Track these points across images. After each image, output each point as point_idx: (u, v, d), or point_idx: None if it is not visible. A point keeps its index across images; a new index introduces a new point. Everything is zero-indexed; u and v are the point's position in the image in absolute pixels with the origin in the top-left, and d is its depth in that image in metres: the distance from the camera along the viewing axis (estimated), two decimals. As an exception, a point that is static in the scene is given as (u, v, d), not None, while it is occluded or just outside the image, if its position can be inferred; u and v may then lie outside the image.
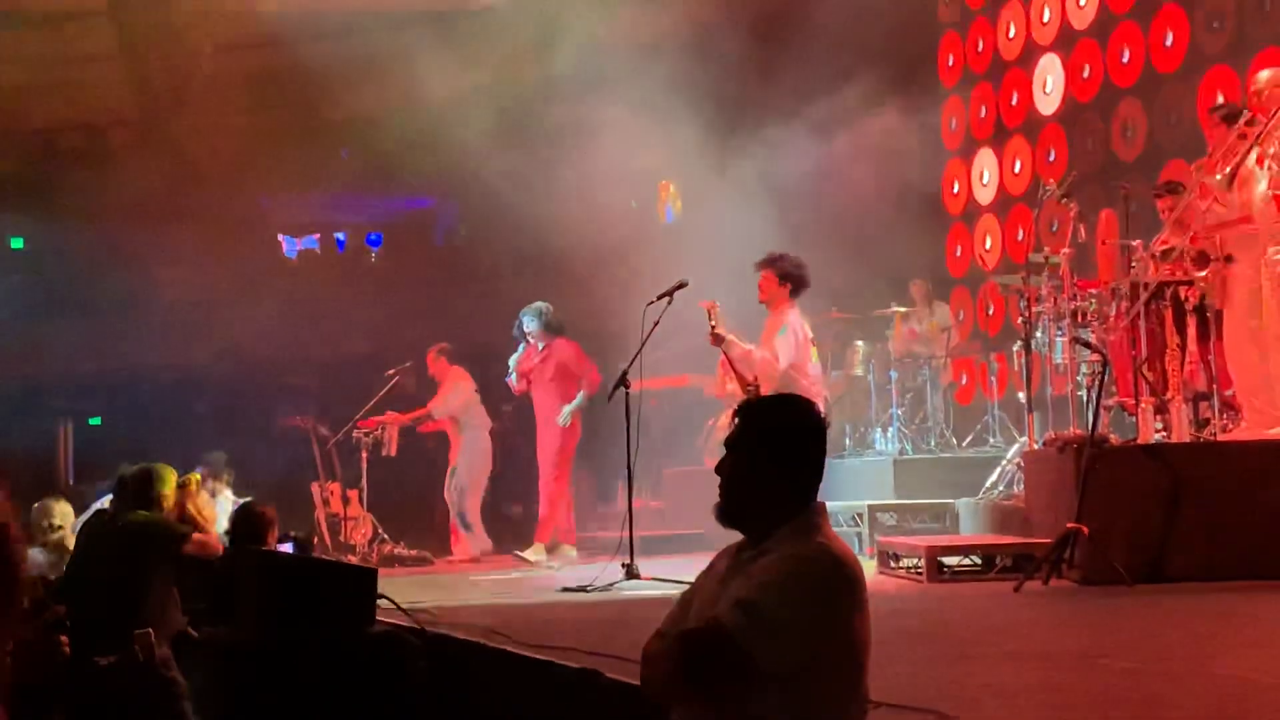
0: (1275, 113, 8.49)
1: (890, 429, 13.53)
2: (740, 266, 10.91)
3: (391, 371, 14.59)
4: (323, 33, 17.06)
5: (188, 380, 19.44)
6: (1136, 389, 9.24)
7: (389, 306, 20.27)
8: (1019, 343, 10.85)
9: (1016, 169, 15.61)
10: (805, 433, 3.73)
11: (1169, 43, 13.24)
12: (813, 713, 3.45)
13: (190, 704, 7.51)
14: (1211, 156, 8.81)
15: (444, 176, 17.44)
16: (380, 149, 18.04)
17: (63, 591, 7.54)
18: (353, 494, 14.10)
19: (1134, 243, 9.56)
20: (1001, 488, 11.15)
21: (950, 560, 9.36)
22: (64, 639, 4.49)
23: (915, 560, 9.45)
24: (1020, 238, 15.00)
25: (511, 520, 17.32)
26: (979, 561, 9.44)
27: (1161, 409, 9.15)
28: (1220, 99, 12.00)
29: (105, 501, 8.88)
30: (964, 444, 13.57)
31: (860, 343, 14.29)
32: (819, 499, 3.73)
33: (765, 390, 9.99)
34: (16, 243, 21.04)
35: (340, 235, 23.57)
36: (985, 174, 16.21)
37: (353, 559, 13.24)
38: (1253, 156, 8.55)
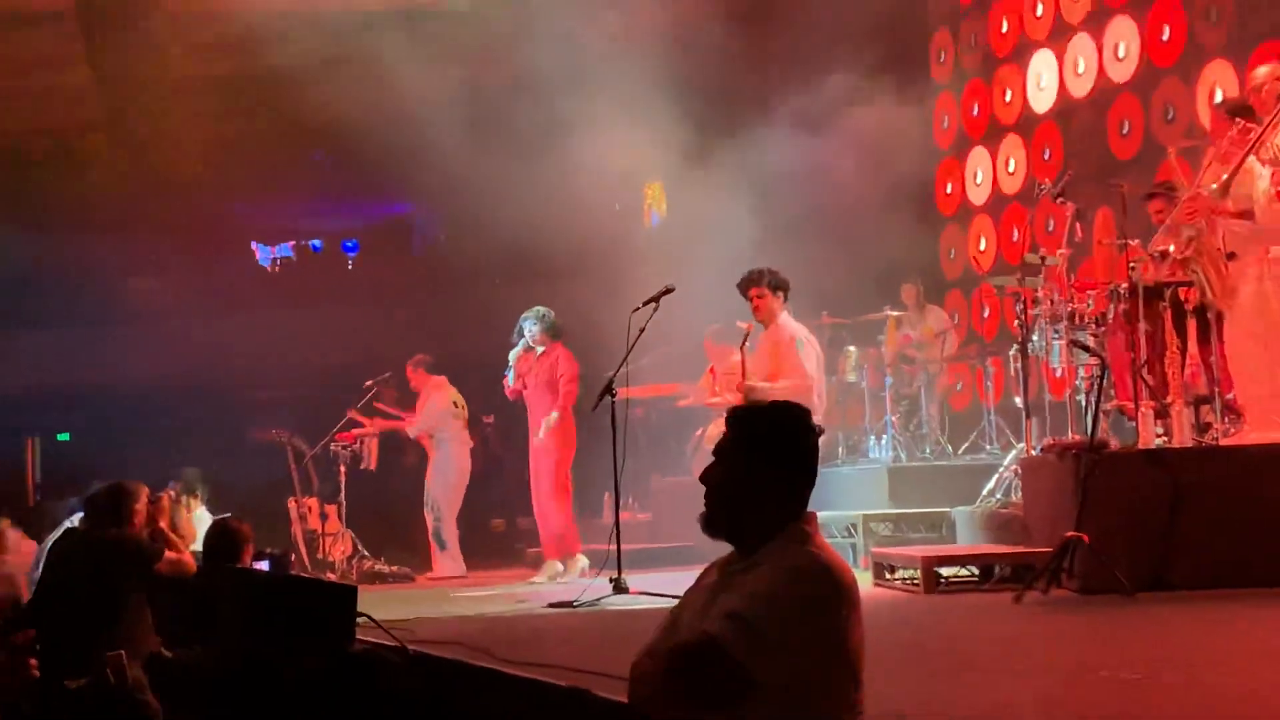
0: (1277, 111, 8.51)
1: (884, 436, 13.54)
2: (728, 270, 10.92)
3: (370, 383, 14.58)
4: (295, 34, 17.05)
5: (159, 393, 19.39)
6: (1136, 393, 9.26)
7: (366, 316, 20.25)
8: (1015, 346, 10.87)
9: (1011, 168, 15.64)
10: (797, 440, 3.73)
11: (1166, 36, 13.28)
12: (806, 727, 3.46)
13: (165, 728, 7.48)
14: (1212, 158, 8.83)
15: (422, 181, 17.42)
16: (356, 153, 18.01)
17: (32, 613, 7.52)
18: (331, 509, 14.08)
19: (1132, 242, 9.58)
20: (999, 496, 11.15)
21: (947, 571, 9.36)
22: (33, 661, 4.48)
23: (911, 571, 9.45)
24: (1015, 238, 15.03)
25: (493, 535, 17.31)
26: (977, 572, 9.44)
27: (1162, 413, 9.16)
28: (1220, 94, 12.05)
29: (75, 520, 8.85)
30: (960, 451, 13.58)
31: (852, 348, 14.29)
32: (810, 508, 3.74)
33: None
34: (-19, 252, 20.99)
35: (315, 242, 23.56)
36: (979, 173, 16.24)
37: (331, 576, 13.23)
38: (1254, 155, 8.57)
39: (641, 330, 10.13)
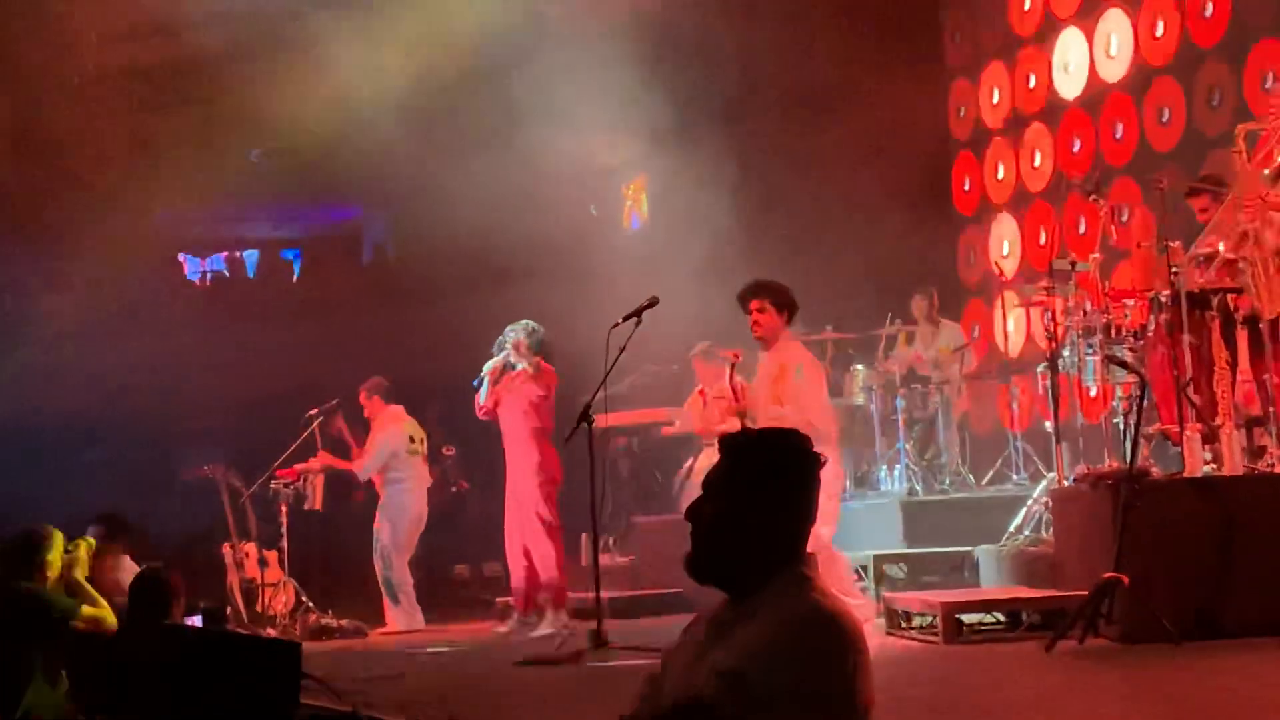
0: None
1: (897, 466, 13.54)
2: (719, 280, 10.92)
3: (314, 411, 14.53)
4: (226, 18, 17.04)
5: (74, 426, 19.28)
6: (1181, 414, 9.27)
7: (310, 335, 20.17)
8: (1044, 363, 10.88)
9: (1036, 162, 15.69)
10: (798, 472, 3.72)
11: (1208, 13, 13.34)
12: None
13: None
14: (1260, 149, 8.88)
15: (372, 183, 17.43)
16: (296, 152, 17.99)
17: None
18: (271, 555, 14.02)
19: (1173, 244, 9.60)
20: (1027, 532, 11.16)
21: (969, 618, 9.36)
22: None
23: (929, 619, 9.45)
24: (1042, 241, 15.07)
25: (455, 584, 17.25)
26: (1003, 619, 9.45)
27: (1210, 437, 9.17)
28: (1270, 79, 12.10)
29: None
30: (983, 482, 13.59)
31: (860, 366, 14.30)
32: (811, 549, 3.73)
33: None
34: None
35: (251, 254, 23.51)
36: (1000, 168, 16.28)
37: (273, 632, 13.17)
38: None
39: (622, 349, 10.12)
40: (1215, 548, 8.38)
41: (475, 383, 12.42)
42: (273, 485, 14.18)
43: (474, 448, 16.32)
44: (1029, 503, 11.48)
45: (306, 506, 14.26)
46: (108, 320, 19.60)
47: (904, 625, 9.89)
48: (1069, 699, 6.95)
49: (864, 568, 11.90)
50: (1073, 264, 10.31)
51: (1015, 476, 13.17)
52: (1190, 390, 9.32)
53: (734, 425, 10.73)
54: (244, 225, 23.04)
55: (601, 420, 10.25)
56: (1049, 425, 10.92)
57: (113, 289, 19.64)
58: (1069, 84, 15.17)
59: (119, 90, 19.38)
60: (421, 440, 14.25)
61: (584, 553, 13.51)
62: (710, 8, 15.90)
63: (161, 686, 6.70)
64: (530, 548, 12.13)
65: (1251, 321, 9.20)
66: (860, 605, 9.86)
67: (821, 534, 9.10)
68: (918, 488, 13.37)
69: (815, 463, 3.73)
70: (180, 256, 23.10)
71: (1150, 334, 9.65)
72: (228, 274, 23.32)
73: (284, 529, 13.99)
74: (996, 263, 15.45)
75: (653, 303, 10.28)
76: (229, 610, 13.40)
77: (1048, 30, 15.51)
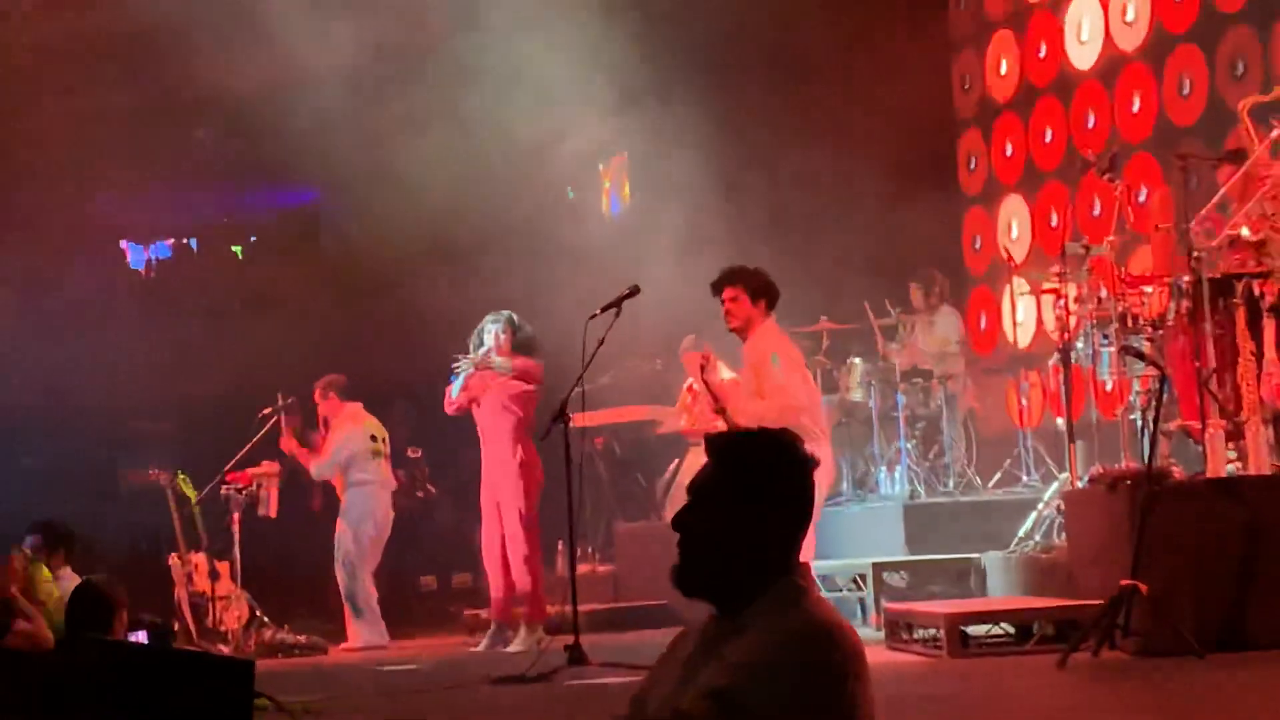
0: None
1: (897, 467, 13.55)
2: (705, 266, 10.91)
3: (268, 410, 14.51)
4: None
5: (8, 427, 19.26)
6: (1203, 409, 9.28)
7: (263, 328, 20.15)
8: (1056, 355, 10.90)
9: (1047, 138, 15.70)
10: (789, 478, 3.72)
11: (1232, -24, 13.37)
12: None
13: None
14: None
15: (330, 163, 17.37)
16: (248, 131, 17.95)
17: None
18: (223, 567, 14.00)
19: (1195, 227, 9.61)
20: (1038, 538, 11.18)
21: (976, 630, 9.37)
22: None
23: (933, 631, 9.46)
24: (1054, 224, 15.08)
25: (423, 596, 17.24)
26: (1012, 631, 9.46)
27: (1235, 434, 9.19)
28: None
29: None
30: (990, 484, 13.60)
31: (857, 360, 14.29)
32: (803, 558, 3.72)
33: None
34: None
35: (198, 240, 23.45)
36: (1008, 145, 16.29)
37: (224, 649, 13.15)
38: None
39: (600, 342, 10.13)
40: (1240, 553, 8.40)
41: (453, 375, 12.39)
42: (224, 490, 14.15)
43: (442, 449, 16.31)
44: (1040, 506, 11.50)
45: (260, 513, 14.23)
46: (44, 312, 19.56)
47: (905, 638, 9.90)
48: (1083, 717, 6.96)
49: (862, 576, 11.90)
50: (1086, 248, 10.33)
51: (1025, 478, 13.17)
52: (1213, 383, 9.34)
53: (712, 425, 10.74)
54: (191, 210, 22.96)
55: (579, 419, 10.25)
56: (1061, 422, 10.94)
57: (49, 278, 19.61)
58: (1083, 54, 15.18)
59: (56, 64, 19.32)
60: (384, 440, 14.21)
61: (560, 562, 13.52)
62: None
63: (102, 708, 6.68)
64: (510, 552, 12.13)
65: (1278, 309, 9.20)
66: None
67: None
68: (920, 490, 13.38)
69: (809, 465, 3.73)
70: (122, 244, 23.03)
71: (1170, 323, 9.65)
72: (173, 263, 23.25)
73: (236, 538, 13.96)
74: (1005, 247, 15.45)
75: (633, 292, 10.28)
76: (176, 626, 13.37)
77: (1059, -4, 15.52)
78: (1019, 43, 16.11)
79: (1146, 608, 8.16)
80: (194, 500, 14.11)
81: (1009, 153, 16.28)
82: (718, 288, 10.53)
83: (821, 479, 3.99)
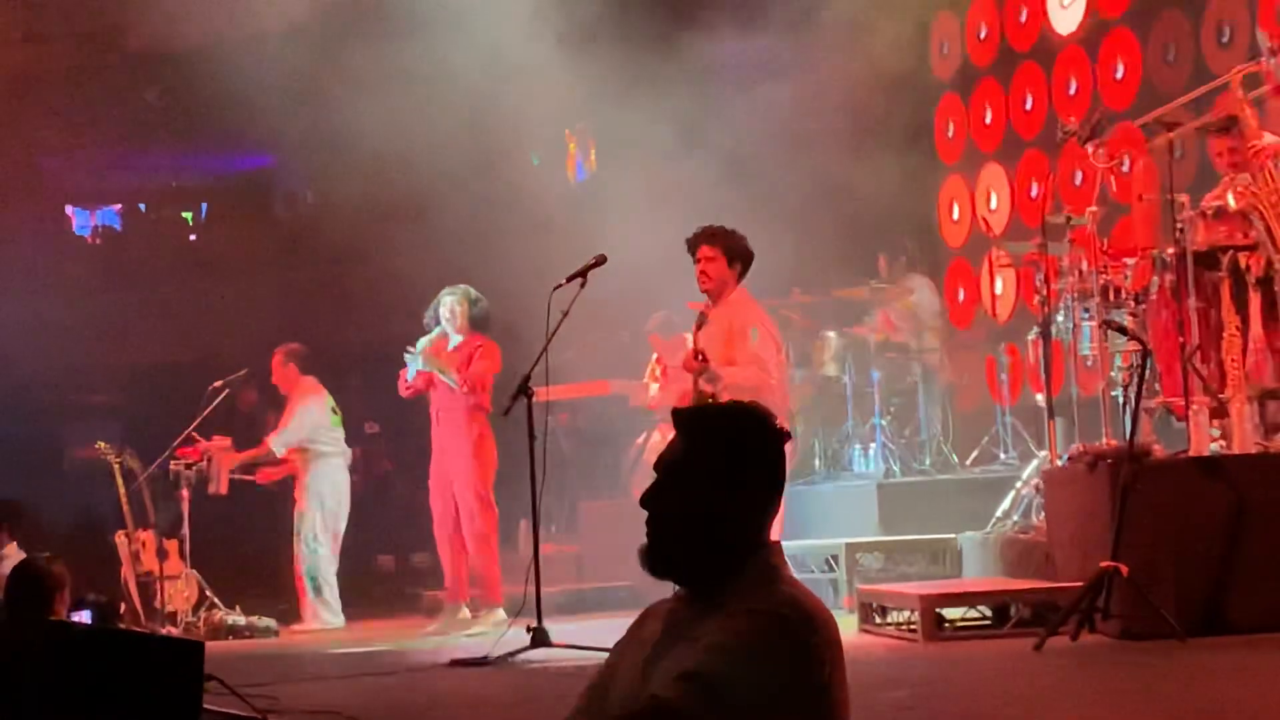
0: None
1: (873, 445, 13.58)
2: (675, 236, 10.90)
3: (219, 384, 14.46)
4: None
5: (-52, 401, 19.21)
6: (1186, 386, 9.31)
7: (214, 298, 20.11)
8: (1035, 330, 10.92)
9: (1028, 105, 15.70)
10: (764, 449, 3.71)
11: (1219, -62, 13.38)
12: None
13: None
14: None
15: (285, 126, 17.31)
16: (200, 90, 17.86)
17: None
18: (171, 545, 13.97)
19: (1180, 198, 9.63)
20: (1016, 518, 11.21)
21: (952, 613, 9.40)
22: None
23: (907, 613, 9.48)
24: (1035, 194, 15.09)
25: (379, 576, 17.23)
26: (989, 614, 9.48)
27: (1219, 411, 9.22)
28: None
29: None
30: (967, 462, 13.64)
31: (831, 334, 14.32)
32: (775, 537, 3.72)
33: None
34: None
35: (146, 206, 23.37)
36: (988, 112, 16.30)
37: (173, 630, 13.14)
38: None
39: (565, 313, 10.11)
40: (1224, 534, 8.43)
41: (408, 356, 12.39)
42: (172, 466, 14.10)
43: (399, 425, 16.30)
44: (1018, 485, 11.53)
45: (211, 490, 14.19)
46: (-16, 280, 19.46)
47: (879, 621, 9.93)
48: (1062, 702, 6.99)
49: (835, 556, 11.93)
50: (1068, 219, 10.34)
51: (1003, 456, 13.22)
52: (1197, 359, 9.36)
53: (680, 388, 10.69)
54: (140, 174, 22.87)
55: (542, 393, 10.23)
56: (1041, 399, 10.96)
57: (-10, 244, 19.51)
58: (1065, 18, 15.18)
59: (-1, 20, 19.19)
60: (338, 414, 14.21)
61: (523, 541, 13.52)
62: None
63: (42, 691, 6.66)
64: (466, 533, 12.16)
65: (1265, 283, 9.22)
66: None
67: None
68: (895, 468, 13.41)
69: (781, 439, 3.72)
70: (68, 209, 22.94)
71: (1153, 297, 9.67)
72: (121, 229, 23.16)
73: (185, 515, 13.93)
74: (983, 217, 15.47)
75: (599, 262, 10.27)
76: (123, 606, 13.36)
77: (1041, -42, 15.51)
78: (998, 7, 16.10)
79: (1127, 590, 8.19)
80: (142, 475, 14.06)
81: (988, 120, 16.28)
82: (694, 244, 10.53)
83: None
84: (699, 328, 10.51)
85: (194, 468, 14.05)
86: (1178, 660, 7.68)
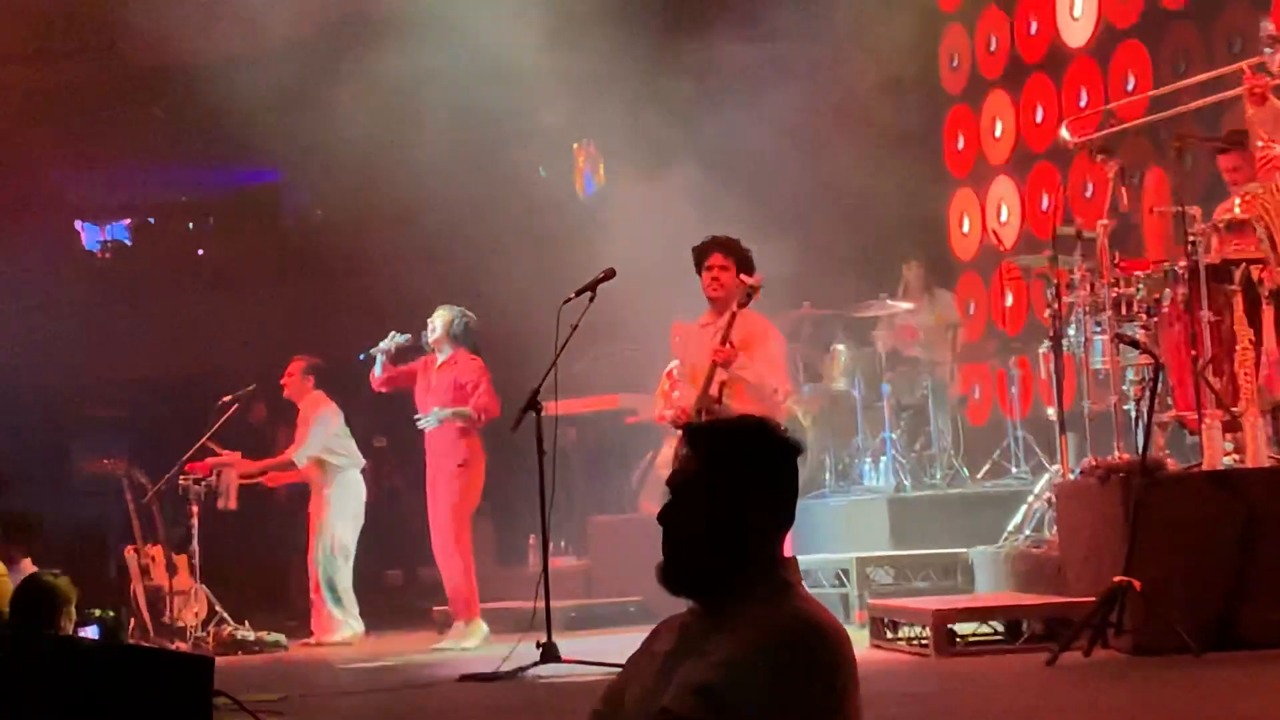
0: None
1: (883, 458, 13.55)
2: (683, 249, 10.90)
3: (228, 398, 14.47)
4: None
5: (-43, 414, 19.22)
6: (1199, 400, 9.29)
7: (222, 312, 20.13)
8: (1046, 343, 10.89)
9: (1038, 117, 15.69)
10: (777, 466, 3.70)
11: (1230, -51, 13.37)
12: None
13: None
14: None
15: (292, 140, 17.34)
16: (207, 106, 17.89)
17: None
18: (181, 560, 13.97)
19: (1192, 210, 9.61)
20: (1028, 532, 11.18)
21: (964, 628, 9.37)
22: None
23: (919, 628, 9.46)
24: (1045, 206, 15.08)
25: (388, 590, 17.21)
26: (1001, 629, 9.46)
27: (1232, 425, 9.19)
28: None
29: None
30: (978, 476, 13.61)
31: (841, 346, 14.31)
32: (790, 551, 3.71)
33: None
34: None
35: (154, 220, 23.39)
36: (998, 124, 16.28)
37: (182, 645, 13.12)
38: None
39: (574, 327, 10.10)
40: (1237, 549, 8.40)
41: (362, 356, 12.54)
42: (181, 481, 14.10)
43: (407, 439, 16.29)
44: (1030, 499, 11.50)
45: (220, 505, 14.19)
46: (-6, 294, 19.49)
47: (890, 636, 9.90)
48: (1074, 717, 6.97)
49: (845, 571, 11.91)
50: (1079, 233, 10.31)
51: (1015, 470, 13.19)
52: (1209, 373, 9.34)
53: (685, 399, 10.68)
54: (149, 189, 22.91)
55: (551, 407, 10.22)
56: (1052, 412, 10.93)
57: (1, 259, 19.54)
58: (1075, 31, 15.17)
59: (8, 36, 19.25)
60: (346, 427, 14.24)
61: (533, 556, 13.51)
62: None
63: (51, 708, 6.64)
64: (436, 548, 12.26)
65: (1278, 295, 9.21)
66: None
67: None
68: (906, 482, 13.39)
69: (794, 453, 3.71)
70: (77, 224, 22.98)
71: (1165, 310, 9.65)
72: (130, 243, 23.20)
73: (194, 530, 13.92)
74: (994, 230, 15.45)
75: (608, 275, 10.27)
76: (132, 621, 13.34)
77: (1051, -30, 15.50)
78: (1009, 17, 16.09)
79: (1140, 605, 8.17)
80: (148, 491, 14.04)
81: (998, 132, 16.27)
82: (706, 252, 10.55)
83: None
84: (716, 334, 10.59)
85: (203, 482, 14.05)
86: (1191, 676, 7.65)
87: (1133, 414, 9.70)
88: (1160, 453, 9.24)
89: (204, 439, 14.29)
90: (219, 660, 7.56)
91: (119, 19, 17.20)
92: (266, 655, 13.23)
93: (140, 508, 14.27)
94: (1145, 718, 6.82)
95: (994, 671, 8.58)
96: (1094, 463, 9.40)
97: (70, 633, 7.63)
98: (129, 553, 14.10)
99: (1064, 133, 10.87)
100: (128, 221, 23.33)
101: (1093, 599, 8.42)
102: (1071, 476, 10.07)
